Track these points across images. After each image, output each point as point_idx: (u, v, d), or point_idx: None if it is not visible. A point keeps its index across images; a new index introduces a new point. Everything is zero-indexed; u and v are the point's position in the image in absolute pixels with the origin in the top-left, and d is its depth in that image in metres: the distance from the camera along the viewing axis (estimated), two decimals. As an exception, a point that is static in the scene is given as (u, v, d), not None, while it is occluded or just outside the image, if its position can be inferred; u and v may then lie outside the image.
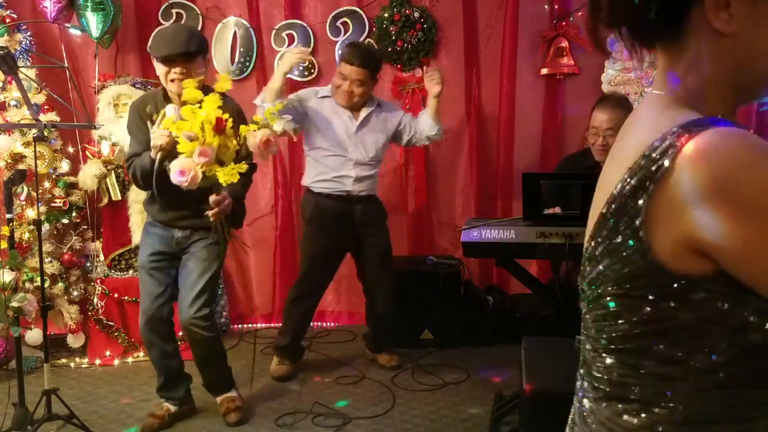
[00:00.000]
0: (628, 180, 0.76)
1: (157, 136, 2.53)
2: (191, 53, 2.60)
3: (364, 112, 3.34)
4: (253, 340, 4.00)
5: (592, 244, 0.82)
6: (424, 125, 3.41)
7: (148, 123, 2.70)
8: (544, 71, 4.10)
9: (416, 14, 3.99)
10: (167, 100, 2.71)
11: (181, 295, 2.80)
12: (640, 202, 0.74)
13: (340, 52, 4.05)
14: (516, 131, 4.15)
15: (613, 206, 0.77)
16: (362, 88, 3.26)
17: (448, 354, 3.71)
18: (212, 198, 2.53)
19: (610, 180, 0.80)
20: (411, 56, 4.05)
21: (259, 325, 4.23)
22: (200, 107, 2.36)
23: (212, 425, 2.89)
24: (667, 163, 0.72)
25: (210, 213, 2.54)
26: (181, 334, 3.02)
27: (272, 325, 4.27)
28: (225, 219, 2.61)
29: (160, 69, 2.66)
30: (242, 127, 2.45)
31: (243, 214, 2.95)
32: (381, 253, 3.44)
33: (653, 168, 0.73)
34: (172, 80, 2.62)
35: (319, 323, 4.26)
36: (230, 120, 2.38)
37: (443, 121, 4.14)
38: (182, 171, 2.36)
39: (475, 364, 3.58)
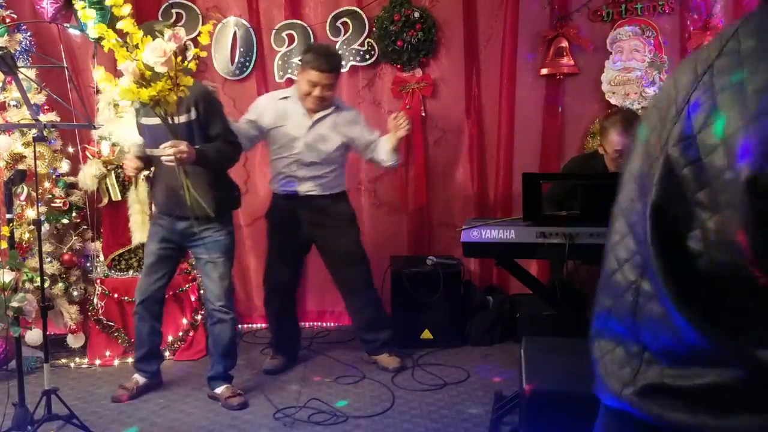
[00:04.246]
0: None
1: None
2: None
3: (319, 114, 3.33)
4: (252, 340, 4.03)
5: None
6: (383, 153, 3.40)
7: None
8: (544, 71, 4.10)
9: (416, 14, 3.98)
10: None
11: (208, 286, 3.07)
12: None
13: (340, 52, 4.06)
14: (516, 131, 4.14)
15: None
16: (332, 91, 3.32)
17: (448, 354, 3.72)
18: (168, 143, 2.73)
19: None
20: (411, 56, 4.04)
21: (258, 325, 4.22)
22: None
23: (213, 425, 2.89)
24: None
25: (165, 150, 2.72)
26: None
27: (272, 325, 4.28)
28: (187, 175, 2.77)
29: None
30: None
31: (227, 192, 3.10)
32: (342, 249, 3.42)
33: None
34: None
35: (319, 323, 4.27)
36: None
37: (443, 122, 4.18)
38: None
39: (475, 364, 3.58)
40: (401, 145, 3.42)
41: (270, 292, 3.52)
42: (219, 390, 3.09)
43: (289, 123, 3.31)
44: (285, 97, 3.37)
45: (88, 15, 2.74)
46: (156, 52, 2.52)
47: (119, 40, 2.55)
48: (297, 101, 3.34)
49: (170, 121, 2.71)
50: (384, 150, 3.39)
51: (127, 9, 2.54)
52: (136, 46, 2.54)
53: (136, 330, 3.22)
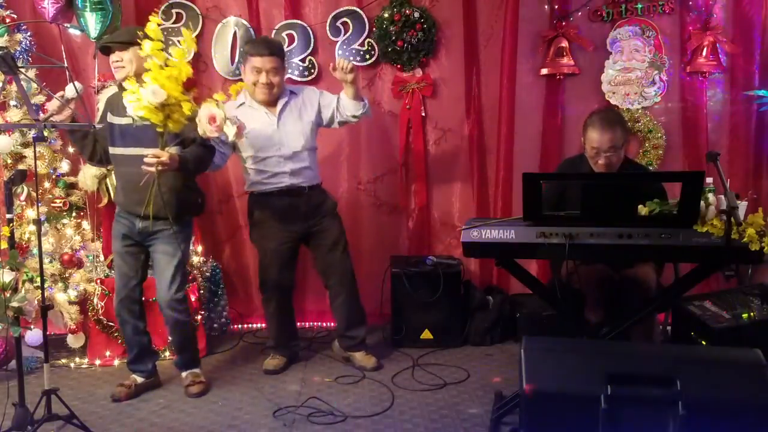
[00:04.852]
0: None
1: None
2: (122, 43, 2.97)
3: (279, 105, 3.36)
4: (253, 340, 4.03)
5: None
6: (348, 106, 3.38)
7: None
8: (544, 71, 4.10)
9: (416, 14, 3.99)
10: (121, 88, 3.01)
11: (157, 283, 3.13)
12: None
13: (340, 52, 4.06)
14: (516, 131, 4.14)
15: None
16: (278, 77, 3.31)
17: (448, 354, 3.72)
18: (153, 151, 2.76)
19: None
20: (411, 56, 4.05)
21: (259, 325, 4.22)
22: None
23: (213, 425, 2.89)
24: None
25: (146, 160, 2.74)
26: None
27: (272, 325, 4.27)
28: (157, 180, 2.79)
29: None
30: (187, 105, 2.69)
31: (191, 198, 3.15)
32: (331, 239, 3.45)
33: None
34: (115, 68, 3.03)
35: (319, 323, 4.27)
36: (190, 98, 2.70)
37: (443, 122, 4.18)
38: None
39: (475, 364, 3.58)
40: (357, 92, 3.33)
41: (269, 293, 3.52)
42: (183, 375, 3.24)
43: (256, 126, 3.33)
44: (241, 104, 3.38)
45: (157, 29, 2.66)
46: (205, 116, 2.70)
47: (160, 63, 2.64)
48: (253, 102, 3.36)
49: (164, 136, 2.76)
50: (347, 102, 3.37)
51: (192, 52, 2.71)
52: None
53: (121, 333, 3.29)
